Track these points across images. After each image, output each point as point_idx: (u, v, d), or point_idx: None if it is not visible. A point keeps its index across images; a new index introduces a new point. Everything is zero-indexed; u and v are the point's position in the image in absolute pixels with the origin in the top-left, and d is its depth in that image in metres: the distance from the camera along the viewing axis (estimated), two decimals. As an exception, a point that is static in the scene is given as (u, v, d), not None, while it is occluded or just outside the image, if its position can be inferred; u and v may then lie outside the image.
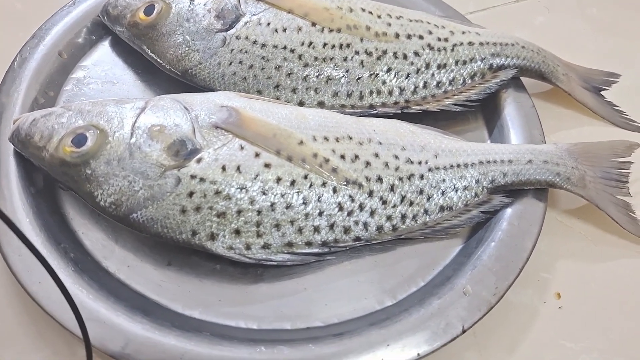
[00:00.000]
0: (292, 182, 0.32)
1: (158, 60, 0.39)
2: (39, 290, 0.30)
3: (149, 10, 0.39)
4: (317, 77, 0.38)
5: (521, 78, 0.42)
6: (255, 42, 0.38)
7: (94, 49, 0.42)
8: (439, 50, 0.40)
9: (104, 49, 0.42)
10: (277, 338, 0.30)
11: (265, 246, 0.32)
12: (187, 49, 0.38)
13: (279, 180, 0.32)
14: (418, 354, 0.29)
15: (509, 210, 0.35)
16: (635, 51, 0.50)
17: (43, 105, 0.38)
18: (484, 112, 0.42)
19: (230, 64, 0.38)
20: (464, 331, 0.30)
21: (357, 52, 0.39)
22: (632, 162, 0.37)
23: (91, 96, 0.40)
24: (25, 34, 0.42)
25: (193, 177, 0.31)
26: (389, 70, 0.39)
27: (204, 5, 0.39)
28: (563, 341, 0.33)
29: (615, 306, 0.35)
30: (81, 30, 0.42)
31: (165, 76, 0.40)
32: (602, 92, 0.45)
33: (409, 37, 0.40)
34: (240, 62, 0.38)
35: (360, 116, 0.38)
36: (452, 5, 0.47)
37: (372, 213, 0.33)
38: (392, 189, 0.34)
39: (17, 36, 0.43)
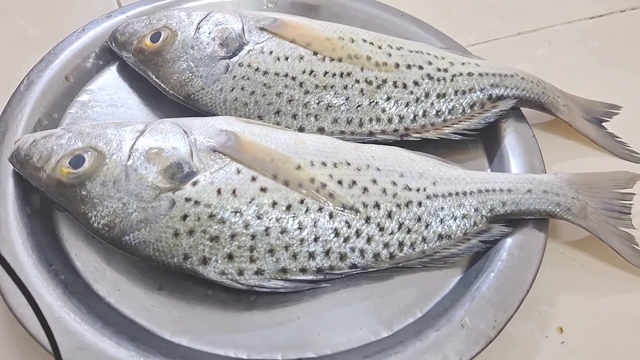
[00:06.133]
0: (288, 207, 0.32)
1: (162, 85, 0.40)
2: (25, 313, 0.29)
3: (155, 37, 0.40)
4: (318, 104, 0.39)
5: (522, 109, 0.43)
6: (257, 69, 0.39)
7: (100, 73, 0.43)
8: (438, 80, 0.40)
9: (110, 74, 0.44)
10: (267, 369, 0.29)
11: (259, 272, 0.31)
12: (190, 74, 0.39)
13: (274, 204, 0.32)
14: (413, 390, 0.28)
15: (508, 240, 0.34)
16: (636, 83, 0.50)
17: (46, 127, 0.39)
18: (484, 141, 0.42)
19: (232, 90, 0.39)
20: (461, 366, 0.29)
21: (357, 81, 0.39)
22: (634, 194, 0.37)
23: (95, 119, 0.41)
24: (35, 58, 0.43)
25: (188, 200, 0.31)
26: (388, 98, 0.39)
27: (209, 33, 0.40)
28: (567, 379, 0.32)
29: (619, 342, 0.34)
30: (89, 55, 0.43)
31: (169, 100, 0.41)
32: (603, 124, 0.45)
33: (408, 67, 0.40)
34: (242, 88, 0.39)
35: (360, 142, 0.38)
36: (454, 37, 0.48)
37: (368, 240, 0.33)
38: (389, 215, 0.33)
39: (26, 59, 0.44)
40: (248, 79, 0.39)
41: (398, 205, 0.34)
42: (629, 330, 0.34)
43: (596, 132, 0.44)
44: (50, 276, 0.31)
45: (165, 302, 0.32)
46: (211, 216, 0.31)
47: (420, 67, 0.41)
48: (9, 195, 0.34)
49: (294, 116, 0.38)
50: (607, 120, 0.45)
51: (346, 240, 0.32)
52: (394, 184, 0.34)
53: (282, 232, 0.32)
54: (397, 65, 0.40)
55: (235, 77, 0.39)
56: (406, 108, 0.40)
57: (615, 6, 0.57)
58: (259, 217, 0.31)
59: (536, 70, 0.46)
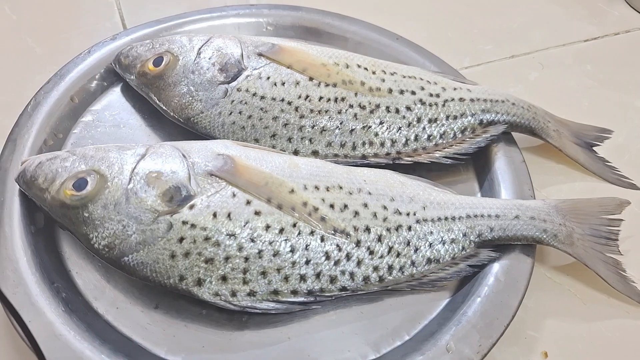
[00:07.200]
0: (281, 230, 0.33)
1: (163, 107, 0.42)
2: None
3: (157, 62, 0.42)
4: (312, 127, 0.40)
5: (513, 133, 0.44)
6: (255, 94, 0.40)
7: (104, 94, 0.45)
8: (430, 105, 0.41)
9: (114, 95, 0.45)
10: (257, 388, 0.30)
11: (251, 293, 0.32)
12: (190, 98, 0.41)
13: (267, 227, 0.33)
14: (398, 412, 0.29)
15: (496, 265, 0.35)
16: (628, 107, 0.51)
17: (51, 147, 0.40)
18: (475, 165, 0.43)
19: (230, 113, 0.40)
20: (445, 390, 0.30)
21: (351, 106, 0.40)
22: (622, 220, 0.38)
23: (98, 139, 0.42)
24: (42, 77, 0.44)
25: (185, 223, 0.32)
26: (381, 123, 0.40)
27: (209, 59, 0.41)
28: (550, 404, 0.33)
29: (604, 369, 0.34)
30: (94, 76, 0.45)
31: (169, 122, 0.42)
32: (594, 148, 0.46)
33: (401, 92, 0.42)
34: (240, 113, 0.40)
35: (353, 166, 0.39)
36: (448, 60, 0.49)
37: (358, 263, 0.34)
38: (379, 239, 0.34)
39: (34, 79, 0.46)
40: (246, 103, 0.40)
41: (388, 229, 0.35)
42: (613, 356, 0.35)
43: (586, 156, 0.45)
44: (52, 294, 0.32)
45: (161, 320, 0.33)
46: (206, 239, 0.32)
47: (413, 93, 0.42)
48: (15, 213, 0.35)
49: (289, 139, 0.40)
50: (598, 145, 0.46)
51: (337, 263, 0.33)
52: (385, 208, 0.35)
53: (274, 255, 0.33)
54: (390, 91, 0.41)
55: (233, 101, 0.40)
56: (398, 132, 0.41)
57: (610, 29, 0.58)
58: (252, 240, 0.33)
59: (529, 93, 0.47)
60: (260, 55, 0.42)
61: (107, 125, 0.43)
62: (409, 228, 0.35)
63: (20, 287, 0.32)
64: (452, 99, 0.42)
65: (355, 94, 0.41)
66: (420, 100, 0.41)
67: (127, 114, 0.44)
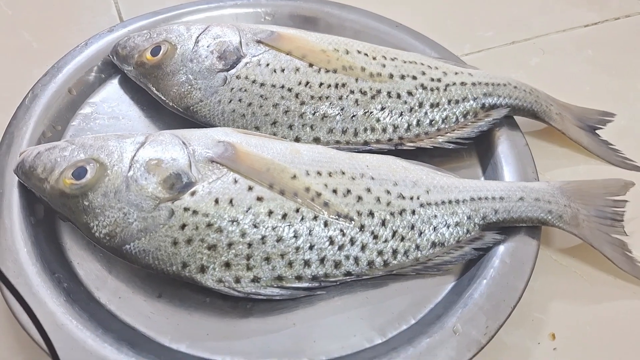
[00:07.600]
0: (284, 216, 0.33)
1: (162, 97, 0.41)
2: (30, 320, 0.30)
3: (155, 51, 0.42)
4: (313, 114, 0.40)
5: (516, 117, 0.43)
6: (254, 81, 0.40)
7: (102, 86, 0.44)
8: (432, 90, 0.41)
9: (112, 87, 0.45)
10: (263, 375, 0.30)
11: (255, 280, 0.32)
12: (189, 87, 0.40)
13: (270, 213, 0.33)
14: (406, 395, 0.28)
15: (501, 248, 0.35)
16: (630, 91, 0.51)
17: (50, 139, 0.40)
18: (478, 149, 0.43)
19: (230, 101, 0.40)
20: (453, 372, 0.29)
21: (352, 91, 0.40)
22: (627, 201, 0.37)
23: (97, 131, 0.42)
24: (39, 71, 0.44)
25: (186, 209, 0.32)
26: (382, 108, 0.40)
27: (207, 47, 0.41)
28: (559, 385, 0.32)
29: (611, 349, 0.34)
30: (92, 68, 0.44)
31: (169, 112, 0.42)
32: (597, 131, 0.45)
33: (402, 77, 0.41)
34: (240, 100, 0.40)
35: (355, 152, 0.39)
36: (449, 47, 0.48)
37: (363, 247, 0.33)
38: (383, 223, 0.34)
39: (31, 73, 0.46)
40: (245, 90, 0.40)
41: (392, 214, 0.34)
42: (621, 336, 0.34)
43: (589, 139, 0.45)
44: (54, 284, 0.32)
45: (164, 309, 0.33)
46: (209, 225, 0.32)
47: (414, 77, 0.41)
48: (14, 205, 0.35)
49: (290, 127, 0.39)
50: (601, 128, 0.45)
51: (341, 248, 0.33)
52: (388, 192, 0.35)
53: (277, 241, 0.32)
54: (391, 76, 0.41)
55: (233, 89, 0.40)
56: (400, 118, 0.40)
57: (610, 14, 0.58)
58: (255, 226, 0.32)
59: (530, 78, 0.47)
60: (259, 42, 0.41)
61: (105, 117, 0.43)
62: (413, 212, 0.35)
63: (21, 278, 0.32)
64: (454, 83, 0.42)
65: (356, 80, 0.40)
66: (422, 85, 0.41)
67: (125, 106, 0.43)
